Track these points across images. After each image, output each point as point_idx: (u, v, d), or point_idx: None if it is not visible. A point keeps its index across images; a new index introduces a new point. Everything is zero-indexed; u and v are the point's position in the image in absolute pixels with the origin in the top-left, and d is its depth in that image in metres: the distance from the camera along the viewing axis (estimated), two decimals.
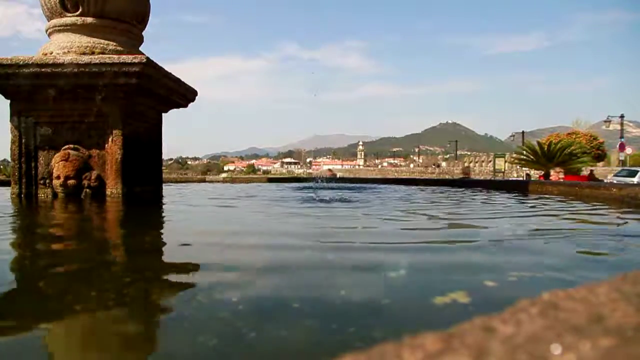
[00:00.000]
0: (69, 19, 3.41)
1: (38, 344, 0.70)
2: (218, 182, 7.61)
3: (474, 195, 4.10)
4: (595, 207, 2.81)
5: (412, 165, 59.88)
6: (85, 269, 1.20)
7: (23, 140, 3.34)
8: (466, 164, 31.64)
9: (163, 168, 4.43)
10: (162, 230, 2.12)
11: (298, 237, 1.75)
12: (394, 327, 0.73)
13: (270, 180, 7.93)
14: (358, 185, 6.18)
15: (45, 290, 1.00)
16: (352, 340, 0.66)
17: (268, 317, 0.77)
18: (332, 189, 5.01)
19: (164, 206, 3.16)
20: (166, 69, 3.49)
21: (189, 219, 2.47)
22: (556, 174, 18.97)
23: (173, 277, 1.12)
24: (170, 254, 1.45)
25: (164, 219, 2.57)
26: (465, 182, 6.42)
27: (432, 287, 0.95)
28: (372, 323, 0.74)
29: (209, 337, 0.67)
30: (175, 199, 3.67)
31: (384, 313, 0.80)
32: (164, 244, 1.69)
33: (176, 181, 7.39)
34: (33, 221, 2.36)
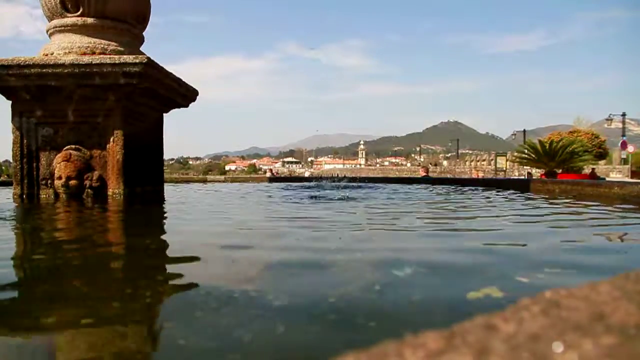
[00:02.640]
0: (70, 19, 3.41)
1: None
2: (219, 182, 7.77)
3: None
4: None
5: (409, 164, 60.48)
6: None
7: (24, 141, 3.34)
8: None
9: (164, 168, 4.43)
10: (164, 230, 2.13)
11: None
12: None
13: (271, 180, 8.16)
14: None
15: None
16: None
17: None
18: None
19: (164, 206, 3.16)
20: (167, 69, 3.49)
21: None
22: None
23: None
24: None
25: (165, 220, 2.58)
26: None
27: None
28: None
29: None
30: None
31: None
32: (166, 245, 1.69)
33: (177, 181, 7.43)
34: (31, 224, 2.37)
